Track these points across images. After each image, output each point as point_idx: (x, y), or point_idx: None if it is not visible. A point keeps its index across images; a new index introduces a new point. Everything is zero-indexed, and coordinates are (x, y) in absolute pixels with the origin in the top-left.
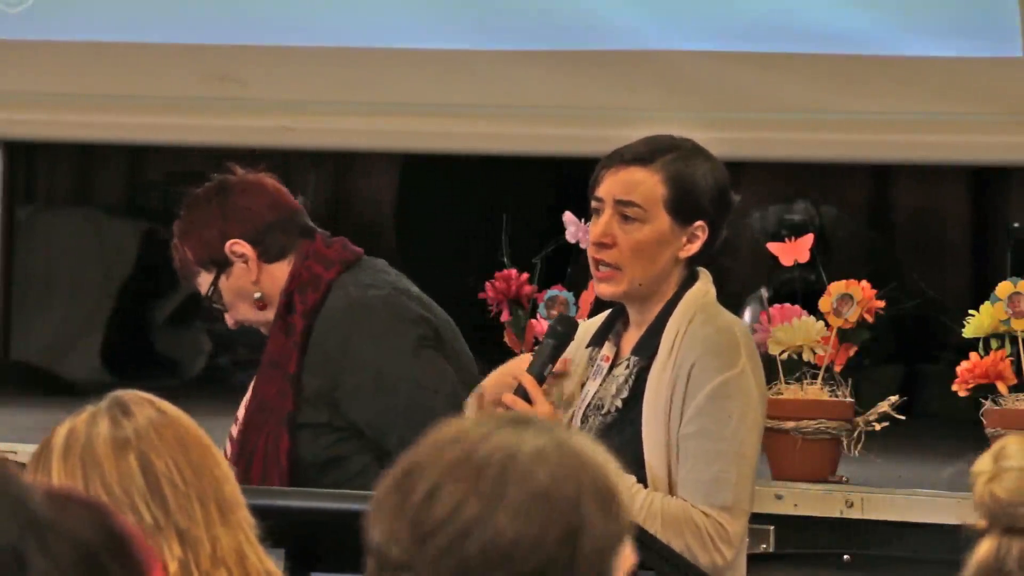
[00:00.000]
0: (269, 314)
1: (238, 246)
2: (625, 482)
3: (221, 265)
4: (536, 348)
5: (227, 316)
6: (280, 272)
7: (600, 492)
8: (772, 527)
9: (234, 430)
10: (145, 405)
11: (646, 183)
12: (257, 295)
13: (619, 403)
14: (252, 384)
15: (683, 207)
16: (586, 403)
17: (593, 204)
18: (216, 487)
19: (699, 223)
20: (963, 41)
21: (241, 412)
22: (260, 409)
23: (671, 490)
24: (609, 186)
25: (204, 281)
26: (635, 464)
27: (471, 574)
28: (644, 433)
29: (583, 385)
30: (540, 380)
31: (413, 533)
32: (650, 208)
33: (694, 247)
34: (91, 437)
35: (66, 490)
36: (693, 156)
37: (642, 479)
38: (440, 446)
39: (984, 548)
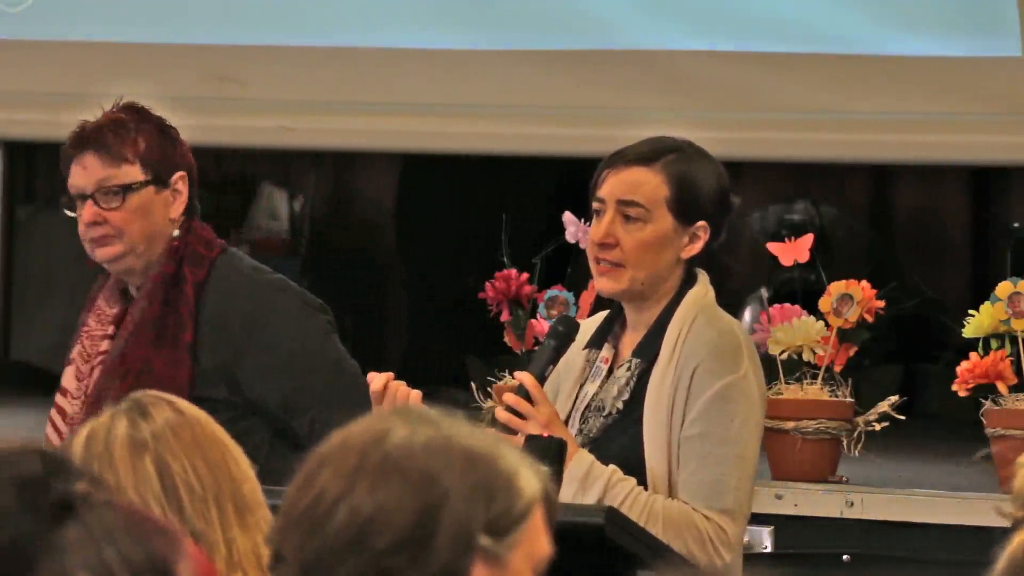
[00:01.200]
0: (143, 258)
1: (183, 183)
2: (626, 485)
3: (157, 181)
4: (537, 348)
5: (90, 213)
6: (180, 229)
7: (472, 474)
8: (772, 527)
9: (68, 404)
10: (163, 406)
11: (649, 183)
12: (176, 233)
13: (620, 404)
14: (112, 348)
15: (686, 207)
16: (584, 404)
17: (595, 205)
18: (234, 488)
19: (701, 223)
20: (963, 41)
21: (89, 377)
22: (145, 373)
23: (671, 491)
24: (611, 186)
25: (127, 173)
26: (636, 465)
27: (327, 557)
28: (645, 435)
29: (581, 386)
30: (541, 380)
31: (285, 521)
32: (653, 208)
33: (695, 248)
34: (109, 439)
35: (138, 508)
36: (695, 157)
37: (642, 480)
38: (330, 439)
39: (1018, 540)
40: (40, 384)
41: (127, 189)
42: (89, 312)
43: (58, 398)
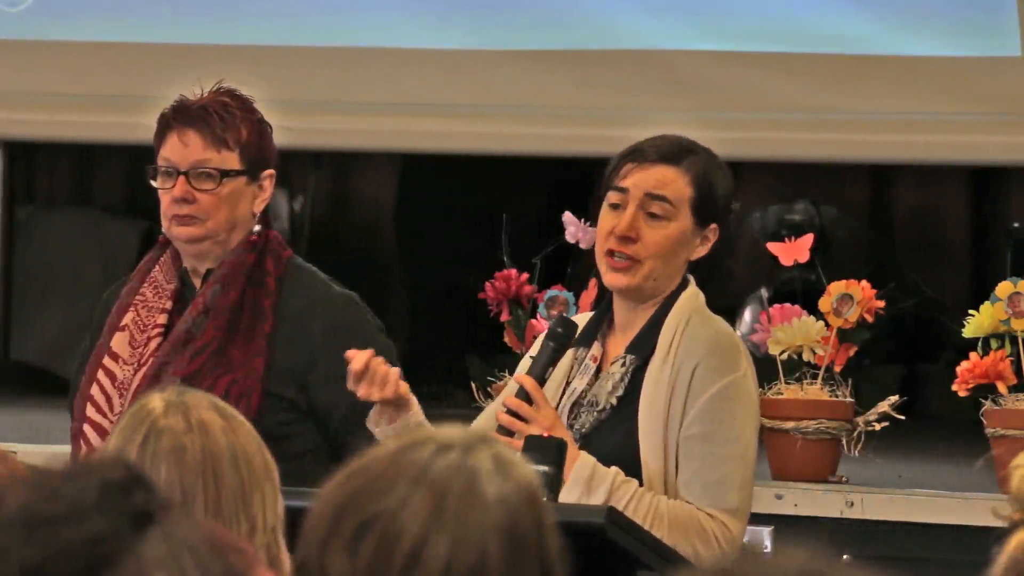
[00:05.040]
0: (221, 245)
1: (270, 181)
2: (630, 487)
3: (251, 172)
4: (536, 350)
5: (181, 190)
6: (260, 224)
7: None
8: (772, 527)
9: (119, 368)
10: (206, 407)
11: (677, 182)
12: (256, 228)
13: (615, 400)
14: (179, 323)
15: (705, 209)
16: (572, 400)
17: (614, 197)
18: (246, 502)
19: (713, 226)
20: (963, 41)
21: (145, 347)
22: (219, 356)
23: (666, 487)
24: (638, 179)
25: (226, 159)
26: (631, 461)
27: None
28: (640, 431)
29: (567, 383)
30: (541, 382)
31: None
32: (679, 206)
33: (704, 250)
34: (159, 433)
35: (214, 524)
36: (710, 160)
37: (637, 476)
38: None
39: (1017, 540)
40: (40, 384)
41: (224, 174)
42: (142, 283)
43: (107, 361)
